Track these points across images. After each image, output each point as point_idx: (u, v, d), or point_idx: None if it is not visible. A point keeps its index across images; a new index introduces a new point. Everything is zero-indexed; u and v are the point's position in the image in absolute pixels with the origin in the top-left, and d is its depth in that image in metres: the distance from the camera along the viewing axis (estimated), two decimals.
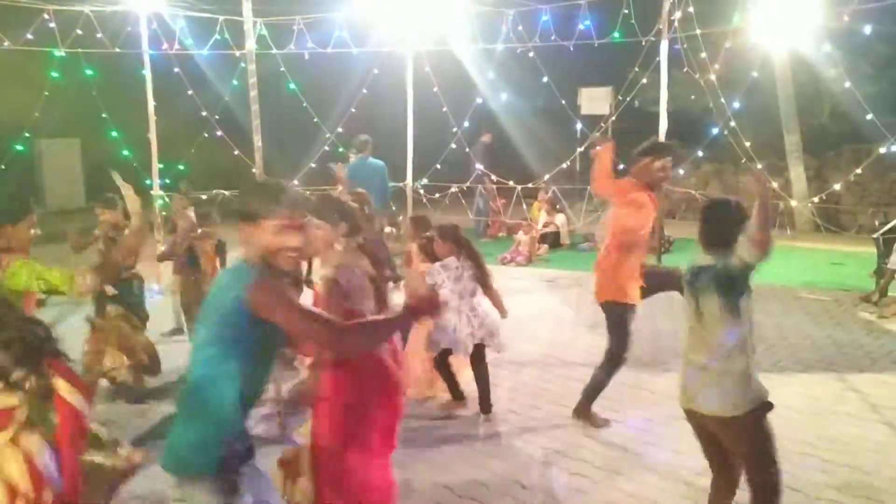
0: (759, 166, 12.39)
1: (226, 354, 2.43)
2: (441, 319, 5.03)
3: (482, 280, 5.40)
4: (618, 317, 5.16)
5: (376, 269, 3.48)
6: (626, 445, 5.09)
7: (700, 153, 12.79)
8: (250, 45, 5.71)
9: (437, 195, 12.98)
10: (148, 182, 11.14)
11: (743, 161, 12.84)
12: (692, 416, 3.52)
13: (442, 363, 5.58)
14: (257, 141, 7.12)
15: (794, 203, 13.42)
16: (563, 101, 12.61)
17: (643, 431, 5.33)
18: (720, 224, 3.39)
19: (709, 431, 3.52)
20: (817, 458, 4.83)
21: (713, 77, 10.98)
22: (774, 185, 12.88)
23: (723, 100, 11.28)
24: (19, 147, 10.44)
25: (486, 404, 5.50)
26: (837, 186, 12.39)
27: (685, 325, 3.50)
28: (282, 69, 11.80)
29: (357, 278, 3.33)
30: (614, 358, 5.22)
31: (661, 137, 9.85)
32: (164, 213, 11.19)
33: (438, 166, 12.65)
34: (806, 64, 12.93)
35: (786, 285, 9.84)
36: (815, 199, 13.01)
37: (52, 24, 9.63)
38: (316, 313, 2.50)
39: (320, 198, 3.76)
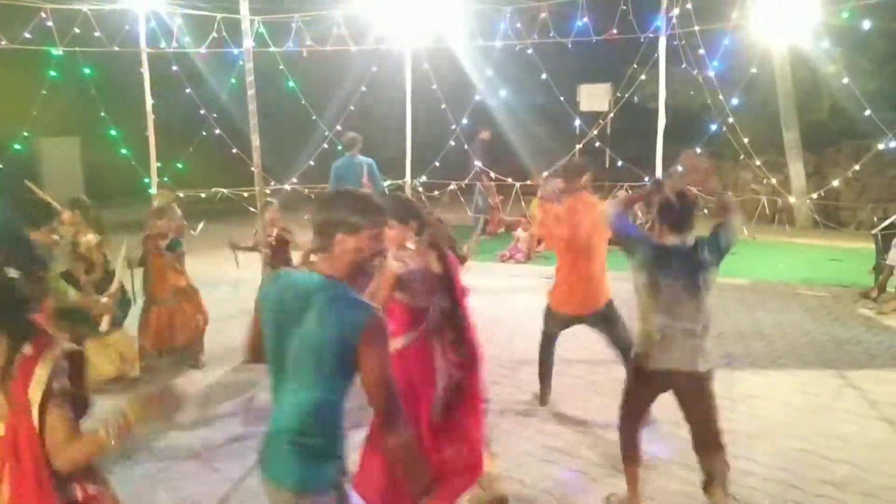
0: (758, 162, 12.41)
1: (344, 373, 2.41)
2: None
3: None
4: (616, 311, 5.35)
5: (442, 263, 3.65)
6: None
7: (698, 149, 12.76)
8: (248, 43, 5.69)
9: (435, 192, 12.97)
10: (146, 180, 11.14)
11: (741, 157, 12.84)
12: (664, 377, 3.90)
13: None
14: (255, 140, 6.96)
15: (792, 199, 13.43)
16: (562, 98, 12.59)
17: (643, 431, 5.33)
18: (690, 210, 4.04)
19: (662, 392, 4.03)
20: (816, 454, 4.84)
21: (711, 73, 10.97)
22: (773, 181, 12.89)
23: (721, 96, 11.27)
24: (17, 146, 10.42)
25: None
26: (836, 183, 12.38)
27: (662, 296, 3.84)
28: (280, 67, 11.78)
29: (420, 280, 3.54)
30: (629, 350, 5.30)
31: (660, 133, 9.85)
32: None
33: (437, 163, 12.64)
34: (805, 60, 12.92)
35: (785, 281, 9.85)
36: (814, 196, 13.01)
37: (50, 23, 9.61)
38: (394, 383, 2.44)
39: (390, 198, 3.95)
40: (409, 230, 3.67)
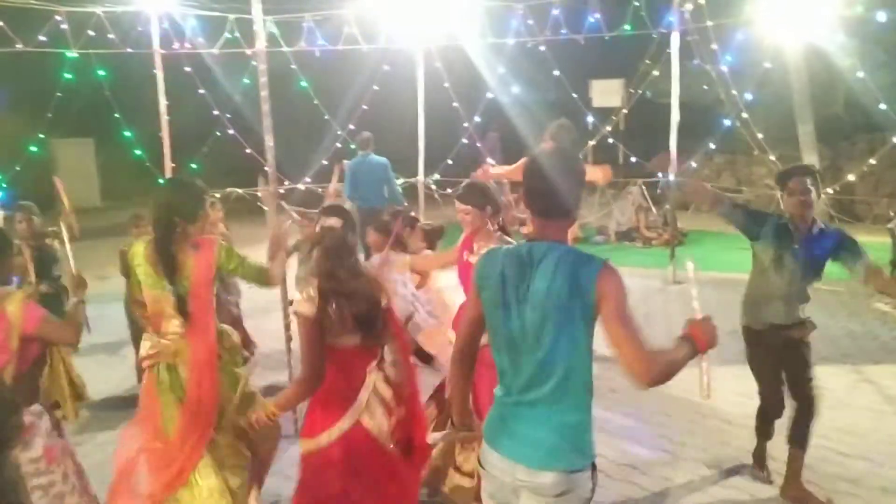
0: (773, 157, 12.33)
1: (588, 334, 2.37)
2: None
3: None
4: None
5: None
6: (642, 439, 5.10)
7: (712, 145, 12.72)
8: (260, 44, 5.70)
9: (448, 190, 12.98)
10: (161, 181, 11.20)
11: (755, 152, 12.77)
12: (771, 333, 4.25)
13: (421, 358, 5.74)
14: (269, 140, 6.96)
15: None
16: (575, 95, 12.57)
17: (658, 425, 5.33)
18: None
19: (776, 352, 4.30)
20: (832, 450, 4.82)
21: (725, 68, 10.92)
22: None
23: (735, 91, 11.21)
24: (33, 148, 10.51)
25: None
26: (852, 177, 12.28)
27: (765, 272, 4.22)
28: (292, 66, 11.82)
29: None
30: None
31: (674, 129, 9.82)
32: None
33: (450, 161, 12.65)
34: (819, 53, 12.81)
35: None
36: (830, 190, 12.91)
37: (65, 26, 9.68)
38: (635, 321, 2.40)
39: (467, 184, 4.15)
40: (485, 215, 3.86)
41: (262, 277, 3.70)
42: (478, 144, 12.78)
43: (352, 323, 3.18)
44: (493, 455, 2.45)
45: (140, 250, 3.50)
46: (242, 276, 3.74)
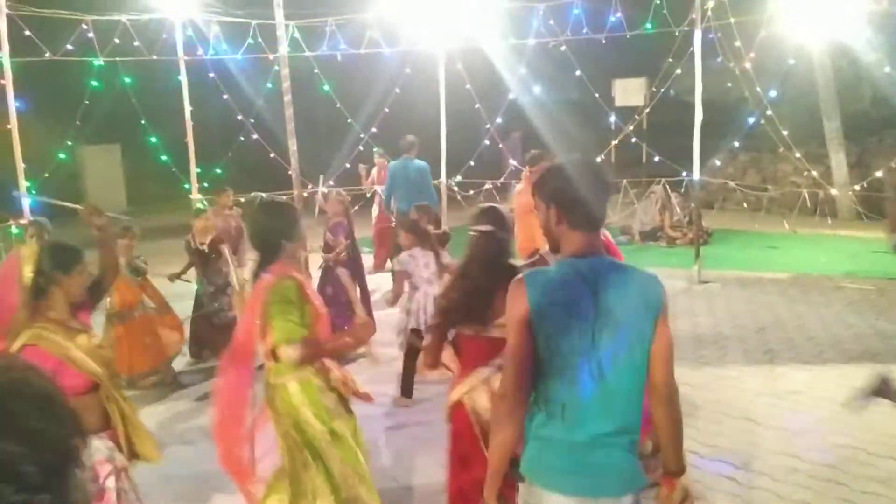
0: (798, 154, 12.21)
1: (647, 353, 2.31)
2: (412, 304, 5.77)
3: (441, 268, 5.80)
4: None
5: None
6: None
7: (736, 143, 12.61)
8: (283, 49, 5.76)
9: (471, 192, 12.98)
10: (186, 186, 11.34)
11: (781, 149, 12.65)
12: None
13: (410, 353, 5.75)
14: (292, 144, 7.12)
15: (834, 191, 13.18)
16: (597, 94, 12.52)
17: (685, 426, 5.30)
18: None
19: None
20: (861, 450, 4.77)
21: (748, 65, 10.82)
22: (814, 173, 12.66)
23: (759, 88, 11.11)
24: (62, 155, 10.67)
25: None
26: (879, 173, 12.13)
27: None
28: (315, 71, 11.90)
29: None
30: None
31: (697, 127, 9.75)
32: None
33: (472, 163, 12.66)
34: (845, 48, 12.67)
35: (827, 275, 9.69)
36: (857, 187, 12.76)
37: (91, 35, 9.82)
38: None
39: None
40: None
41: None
42: (500, 146, 12.78)
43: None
44: (555, 497, 2.28)
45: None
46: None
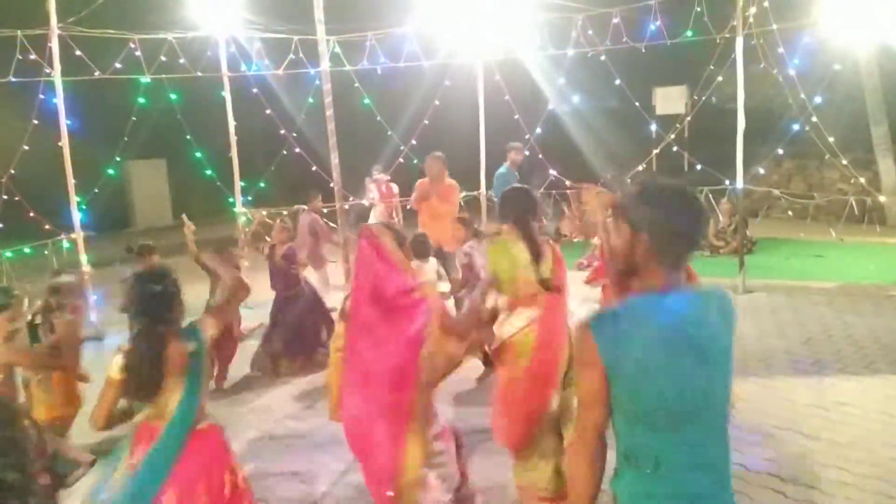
0: (845, 161, 11.98)
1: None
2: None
3: None
4: None
5: None
6: None
7: (780, 150, 12.42)
8: (325, 64, 5.84)
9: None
10: (231, 200, 11.53)
11: (826, 157, 12.42)
12: None
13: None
14: (334, 158, 7.16)
15: (882, 198, 12.88)
16: (637, 103, 12.44)
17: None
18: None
19: None
20: None
21: (792, 72, 10.67)
22: (862, 179, 12.40)
23: (803, 94, 10.94)
24: (111, 170, 10.93)
25: None
26: None
27: None
28: (356, 85, 12.04)
29: None
30: None
31: (740, 135, 9.63)
32: (246, 229, 11.57)
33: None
34: (892, 52, 12.42)
35: (876, 283, 9.48)
36: None
37: (138, 53, 10.07)
38: None
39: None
40: None
41: None
42: (539, 156, 12.75)
43: None
44: None
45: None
46: None
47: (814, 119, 11.03)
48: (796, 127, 11.43)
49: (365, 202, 12.15)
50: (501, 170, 10.20)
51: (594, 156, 15.21)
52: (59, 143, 8.85)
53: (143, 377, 3.12)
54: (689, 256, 2.16)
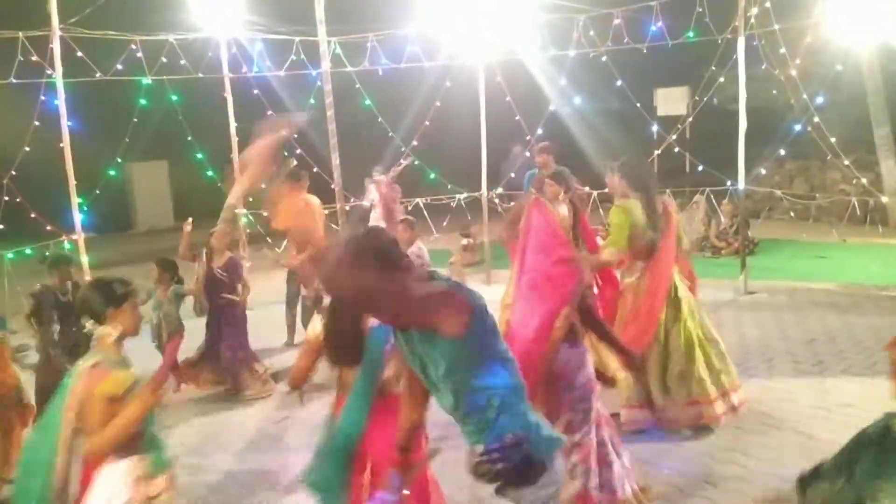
0: (847, 162, 11.96)
1: None
2: None
3: None
4: None
5: None
6: (713, 454, 5.00)
7: (783, 151, 12.40)
8: (326, 65, 5.84)
9: (512, 203, 12.97)
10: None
11: (828, 157, 12.41)
12: None
13: None
14: (335, 159, 7.15)
15: (885, 199, 12.86)
16: (639, 104, 12.43)
17: (732, 439, 5.22)
18: None
19: None
20: None
21: (794, 72, 10.65)
22: (864, 180, 12.39)
23: (805, 95, 10.92)
24: (112, 172, 10.91)
25: None
26: None
27: None
28: (357, 86, 12.02)
29: None
30: None
31: (741, 135, 9.62)
32: (248, 230, 11.59)
33: (513, 175, 12.64)
34: (894, 52, 12.40)
35: (879, 284, 9.47)
36: None
37: (140, 54, 10.07)
38: None
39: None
40: None
41: None
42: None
43: None
44: None
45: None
46: None
47: (816, 120, 11.02)
48: (798, 128, 11.43)
49: (365, 203, 12.12)
50: (533, 171, 10.10)
51: (596, 157, 15.17)
52: (61, 145, 8.83)
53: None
54: None
